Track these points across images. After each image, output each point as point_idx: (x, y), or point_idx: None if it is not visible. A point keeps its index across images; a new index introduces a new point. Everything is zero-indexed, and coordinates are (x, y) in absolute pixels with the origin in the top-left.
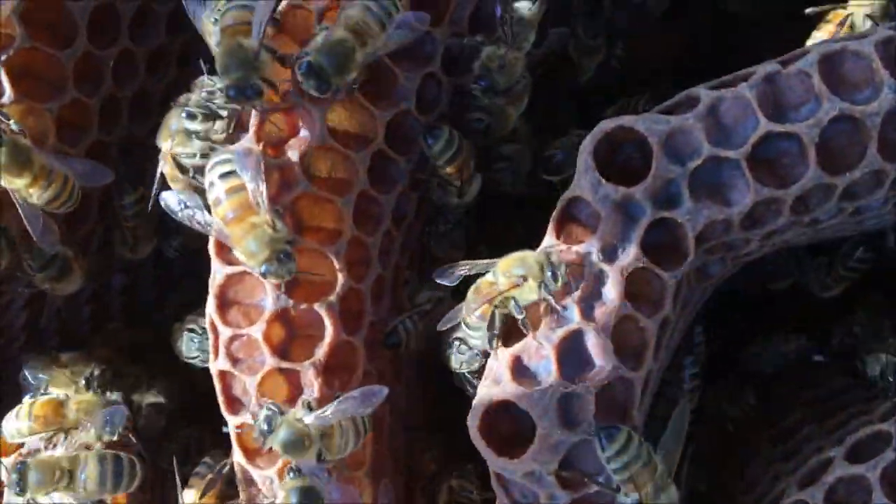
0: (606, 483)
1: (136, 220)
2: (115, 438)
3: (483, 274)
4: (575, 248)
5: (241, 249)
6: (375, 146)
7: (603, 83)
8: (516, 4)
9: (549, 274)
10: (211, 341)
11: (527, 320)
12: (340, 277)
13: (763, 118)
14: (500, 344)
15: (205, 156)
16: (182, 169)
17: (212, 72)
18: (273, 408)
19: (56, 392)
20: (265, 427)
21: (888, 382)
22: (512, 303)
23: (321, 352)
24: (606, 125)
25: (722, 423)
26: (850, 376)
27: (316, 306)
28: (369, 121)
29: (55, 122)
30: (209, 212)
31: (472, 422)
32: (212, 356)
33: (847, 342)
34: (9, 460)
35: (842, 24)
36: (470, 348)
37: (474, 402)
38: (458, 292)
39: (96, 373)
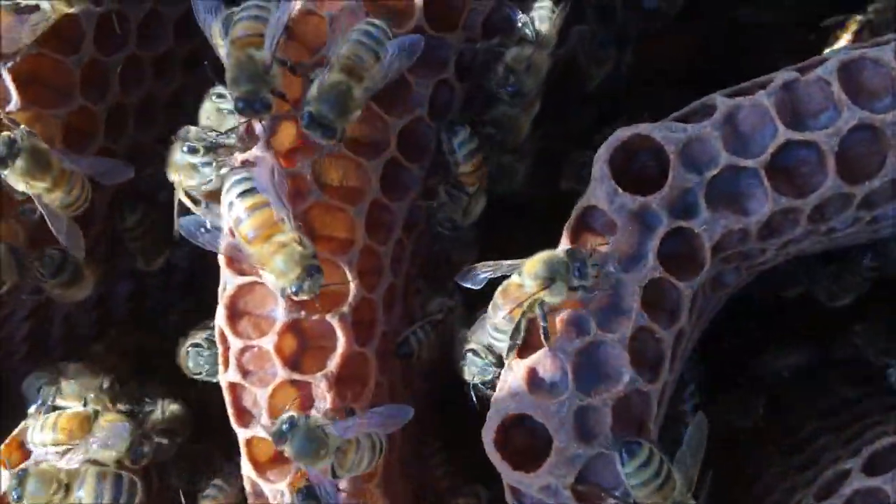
0: (623, 498)
1: (143, 239)
2: (136, 467)
3: (507, 276)
4: None
5: (269, 269)
6: (388, 154)
7: (612, 87)
8: (534, 13)
9: (575, 273)
10: (220, 352)
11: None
12: (353, 287)
13: (781, 126)
14: (515, 354)
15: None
16: (195, 201)
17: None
18: (294, 412)
19: (65, 404)
20: (285, 429)
21: None
22: (538, 309)
23: (333, 363)
24: (623, 133)
25: (732, 434)
26: (860, 386)
27: (328, 317)
28: (382, 128)
29: (62, 129)
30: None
31: (487, 435)
32: (221, 368)
33: (849, 352)
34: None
35: (859, 31)
36: (483, 359)
37: (489, 414)
38: (470, 301)
39: (105, 385)
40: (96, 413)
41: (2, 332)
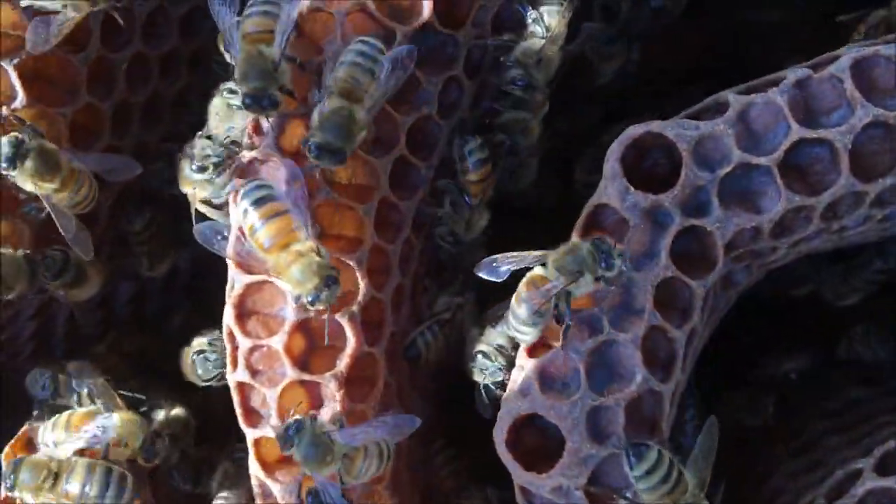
0: (633, 499)
1: (150, 243)
2: (150, 465)
3: (530, 268)
4: None
5: (286, 278)
6: (397, 152)
7: (620, 86)
8: (544, 8)
9: (602, 264)
10: (229, 352)
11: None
12: (362, 287)
13: (795, 124)
14: (527, 354)
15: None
16: (215, 206)
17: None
18: (301, 416)
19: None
20: (290, 433)
21: None
22: (563, 303)
23: (343, 363)
24: (634, 131)
25: (742, 432)
26: (867, 386)
27: (337, 316)
28: (391, 126)
29: (68, 127)
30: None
31: (499, 435)
32: (230, 367)
33: (852, 355)
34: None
35: (876, 26)
36: (493, 362)
37: (500, 414)
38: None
39: (99, 382)
40: (108, 412)
41: (7, 331)
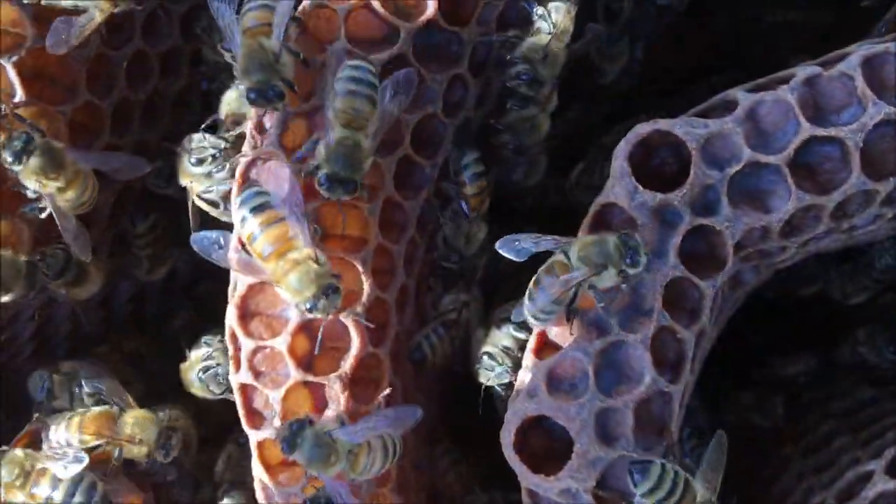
0: None
1: (153, 246)
2: (167, 461)
3: (551, 252)
4: None
5: (283, 287)
6: (402, 151)
7: (624, 85)
8: (550, 4)
9: (627, 260)
10: (231, 353)
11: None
12: (367, 287)
13: (805, 122)
14: (534, 354)
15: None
16: (212, 203)
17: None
18: (300, 418)
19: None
20: (290, 435)
21: None
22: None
23: (347, 364)
24: (642, 129)
25: (750, 434)
26: (875, 387)
27: (342, 317)
28: (396, 125)
29: (68, 125)
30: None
31: (506, 437)
32: (232, 368)
33: (855, 358)
34: None
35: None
36: (500, 364)
37: (507, 416)
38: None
39: (109, 382)
40: (121, 410)
41: (7, 332)
